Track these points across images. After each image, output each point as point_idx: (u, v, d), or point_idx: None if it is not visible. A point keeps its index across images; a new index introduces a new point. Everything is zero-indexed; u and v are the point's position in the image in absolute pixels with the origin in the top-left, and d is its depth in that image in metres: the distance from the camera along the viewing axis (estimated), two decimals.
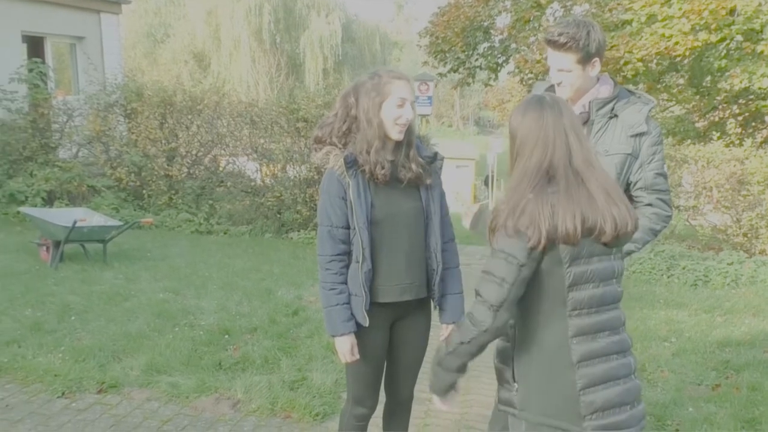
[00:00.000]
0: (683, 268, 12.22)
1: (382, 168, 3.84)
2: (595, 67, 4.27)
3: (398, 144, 3.91)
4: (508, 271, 3.05)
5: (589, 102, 4.31)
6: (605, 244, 3.09)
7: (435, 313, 4.29)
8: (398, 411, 4.50)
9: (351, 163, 3.83)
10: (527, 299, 3.13)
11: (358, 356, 4.01)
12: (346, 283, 3.95)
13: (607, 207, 3.04)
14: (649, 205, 4.34)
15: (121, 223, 11.72)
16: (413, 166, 3.94)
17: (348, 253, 3.93)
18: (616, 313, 3.19)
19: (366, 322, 3.92)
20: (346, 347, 3.96)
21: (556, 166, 3.07)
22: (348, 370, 4.21)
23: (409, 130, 3.91)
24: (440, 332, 4.20)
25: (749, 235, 13.35)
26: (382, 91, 3.81)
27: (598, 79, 4.38)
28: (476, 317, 3.14)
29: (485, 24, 20.94)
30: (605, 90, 4.37)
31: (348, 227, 3.88)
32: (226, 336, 7.67)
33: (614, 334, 3.17)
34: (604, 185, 3.09)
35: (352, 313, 3.94)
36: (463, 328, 3.22)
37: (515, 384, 3.29)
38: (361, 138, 3.86)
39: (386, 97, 3.80)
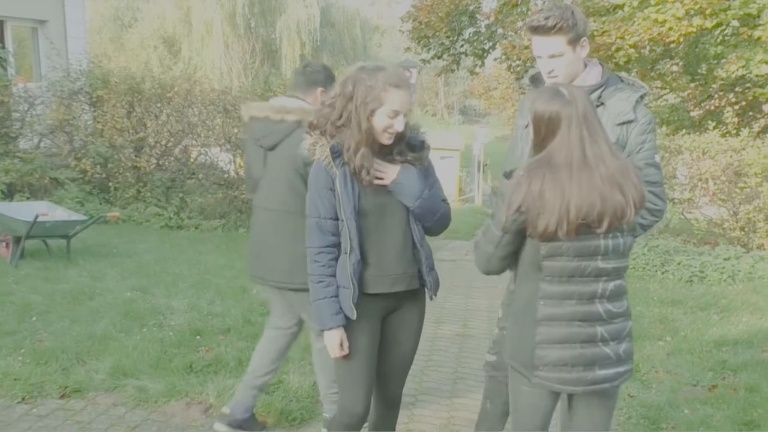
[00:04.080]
0: (678, 264, 12.22)
1: (368, 173, 3.91)
2: (585, 48, 4.28)
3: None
4: (492, 237, 3.73)
5: None
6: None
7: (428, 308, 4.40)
8: (386, 412, 4.52)
9: (337, 154, 3.91)
10: (517, 256, 3.76)
11: (347, 351, 4.05)
12: (335, 275, 4.01)
13: (609, 199, 3.48)
14: None
15: (85, 218, 11.65)
16: (398, 159, 4.03)
17: (337, 245, 4.00)
18: (592, 286, 3.62)
19: (353, 315, 3.97)
20: (335, 341, 4.01)
21: (569, 157, 3.51)
22: (337, 371, 4.24)
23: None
24: None
25: (746, 229, 13.35)
26: (376, 98, 3.84)
27: (585, 65, 4.37)
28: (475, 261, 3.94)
29: (471, 8, 20.97)
30: (592, 77, 4.36)
31: (336, 218, 3.96)
32: (198, 337, 7.62)
33: (583, 304, 3.62)
34: (611, 177, 3.51)
35: (341, 306, 3.99)
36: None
37: (504, 327, 4.05)
38: (350, 136, 3.90)
39: (379, 105, 3.84)
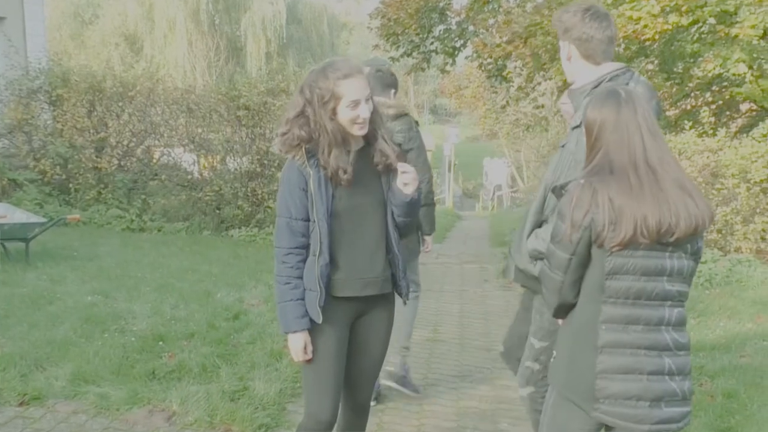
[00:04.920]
0: None
1: (345, 172, 3.91)
2: (564, 50, 4.31)
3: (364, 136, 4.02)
4: (559, 262, 3.48)
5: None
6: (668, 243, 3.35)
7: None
8: (354, 419, 4.52)
9: (311, 153, 3.93)
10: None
11: (310, 356, 4.05)
12: (302, 277, 4.01)
13: (681, 205, 3.31)
14: None
15: (45, 220, 11.59)
16: (387, 150, 4.05)
17: (306, 247, 4.01)
18: (659, 311, 3.41)
19: (319, 319, 3.97)
20: (298, 345, 4.01)
21: (632, 161, 3.36)
22: (304, 376, 4.23)
23: (372, 118, 3.99)
24: None
25: (724, 232, 13.36)
26: (331, 95, 3.86)
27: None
28: (545, 297, 3.71)
29: (441, 5, 20.89)
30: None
31: (308, 219, 3.97)
32: (161, 342, 7.57)
33: (650, 331, 3.40)
34: (678, 182, 3.36)
35: (307, 310, 3.99)
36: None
37: (554, 352, 3.72)
38: (323, 140, 3.92)
39: (338, 101, 3.86)
